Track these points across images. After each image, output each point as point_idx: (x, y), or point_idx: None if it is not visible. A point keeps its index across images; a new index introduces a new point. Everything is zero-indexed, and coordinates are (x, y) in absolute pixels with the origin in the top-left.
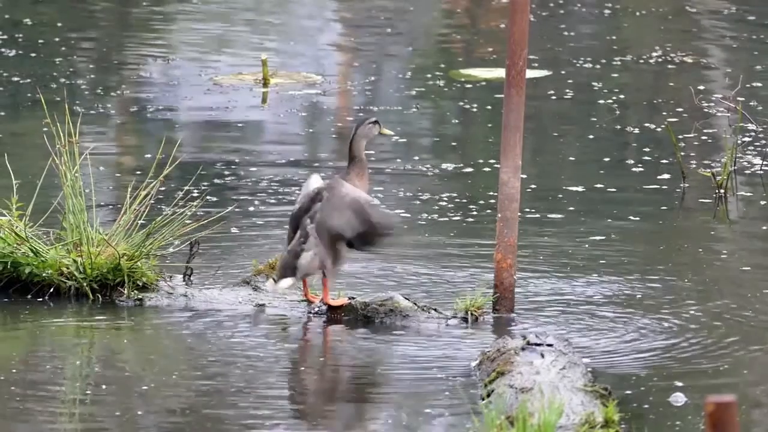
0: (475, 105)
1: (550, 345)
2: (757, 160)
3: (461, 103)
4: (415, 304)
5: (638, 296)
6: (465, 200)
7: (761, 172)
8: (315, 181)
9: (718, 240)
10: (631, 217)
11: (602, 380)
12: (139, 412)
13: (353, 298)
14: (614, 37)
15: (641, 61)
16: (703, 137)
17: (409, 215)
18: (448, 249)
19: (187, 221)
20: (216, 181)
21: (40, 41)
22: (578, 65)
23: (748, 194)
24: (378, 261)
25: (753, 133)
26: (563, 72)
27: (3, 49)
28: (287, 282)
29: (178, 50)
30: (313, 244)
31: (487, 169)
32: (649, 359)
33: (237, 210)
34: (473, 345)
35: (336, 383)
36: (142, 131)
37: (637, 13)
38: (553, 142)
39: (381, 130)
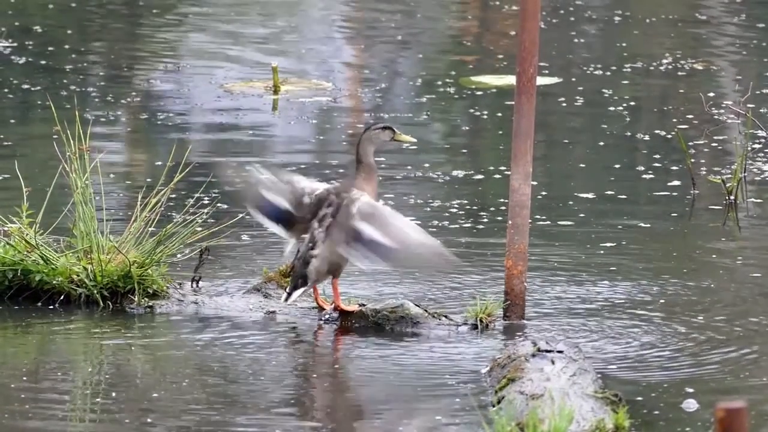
0: (486, 112)
1: (560, 351)
2: (767, 167)
3: (472, 110)
4: (426, 311)
5: (649, 302)
6: (475, 207)
7: None
8: (303, 182)
9: (728, 246)
10: (642, 224)
11: (613, 386)
12: (149, 420)
13: (364, 304)
14: (624, 44)
15: (651, 67)
16: (713, 144)
17: (419, 222)
18: (458, 255)
19: (198, 228)
20: (226, 188)
21: (50, 48)
22: (588, 72)
23: (758, 201)
24: (388, 268)
25: (763, 140)
26: (573, 79)
27: (13, 57)
28: (299, 292)
29: (189, 57)
30: (322, 249)
31: (497, 176)
32: (660, 365)
33: (247, 217)
34: (484, 352)
35: (346, 391)
36: (152, 138)
37: (647, 20)
38: (564, 149)
39: (396, 136)
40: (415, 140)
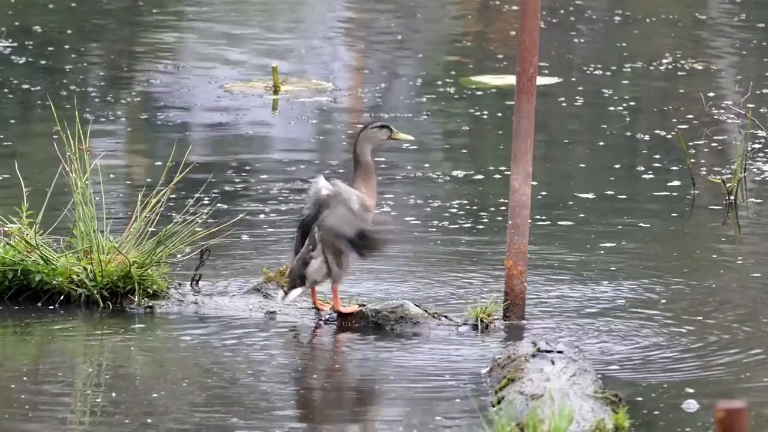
0: (486, 112)
1: (560, 352)
2: (767, 167)
3: (472, 110)
4: (426, 311)
5: (649, 303)
6: (476, 207)
7: None
8: (321, 184)
9: (728, 247)
10: (642, 224)
11: (613, 387)
12: (149, 421)
13: (364, 305)
14: (624, 44)
15: (651, 67)
16: (713, 144)
17: (419, 222)
18: (458, 256)
19: (198, 229)
20: (226, 188)
21: (50, 48)
22: (588, 72)
23: (758, 201)
24: (388, 268)
25: (763, 140)
26: (573, 79)
27: (13, 57)
28: (296, 292)
29: (188, 57)
30: (320, 252)
31: (497, 176)
32: (659, 365)
33: (247, 217)
34: (484, 352)
35: (346, 391)
36: (152, 138)
37: (647, 20)
38: (564, 149)
39: (394, 135)
40: (412, 138)
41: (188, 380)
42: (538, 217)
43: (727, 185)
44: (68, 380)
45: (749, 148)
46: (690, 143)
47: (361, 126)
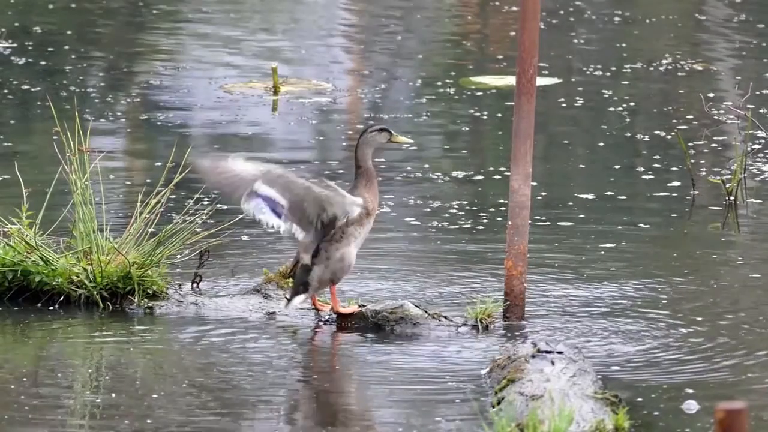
0: (486, 112)
1: (560, 352)
2: (767, 168)
3: (472, 111)
4: (426, 311)
5: (649, 303)
6: (475, 208)
7: None
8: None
9: (728, 247)
10: (641, 225)
11: (613, 387)
12: (149, 421)
13: (364, 305)
14: (624, 45)
15: (651, 68)
16: (713, 144)
17: (419, 222)
18: (458, 256)
19: (198, 229)
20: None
21: (50, 49)
22: (588, 73)
23: (758, 201)
24: (388, 268)
25: (763, 140)
26: (573, 79)
27: (13, 57)
28: (300, 299)
29: (188, 58)
30: (323, 258)
31: (497, 176)
32: (659, 366)
33: (247, 218)
34: (483, 352)
35: (346, 392)
36: (152, 139)
37: (647, 21)
38: (564, 149)
39: (393, 138)
40: (411, 141)
41: (188, 381)
42: (538, 217)
43: (727, 186)
44: (68, 381)
45: (749, 149)
46: (690, 144)
47: (361, 129)
